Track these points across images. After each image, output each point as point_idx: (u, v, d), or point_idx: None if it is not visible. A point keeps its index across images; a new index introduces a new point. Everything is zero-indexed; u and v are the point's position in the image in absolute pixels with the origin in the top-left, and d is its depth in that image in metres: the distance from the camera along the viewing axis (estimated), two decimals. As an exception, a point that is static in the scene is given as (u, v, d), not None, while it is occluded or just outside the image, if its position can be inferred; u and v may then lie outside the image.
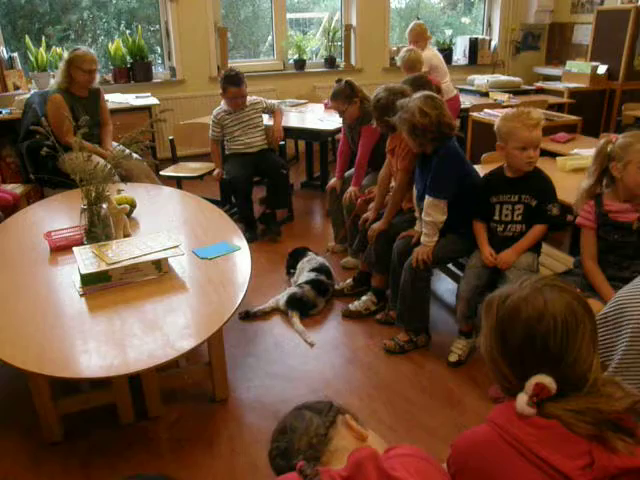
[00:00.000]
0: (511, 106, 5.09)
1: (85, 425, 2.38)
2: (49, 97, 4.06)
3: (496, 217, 2.70)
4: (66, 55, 4.10)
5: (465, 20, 7.81)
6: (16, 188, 4.28)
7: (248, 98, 4.34)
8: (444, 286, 3.48)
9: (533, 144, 2.52)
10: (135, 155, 3.80)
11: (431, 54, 5.26)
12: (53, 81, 4.41)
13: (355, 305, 3.24)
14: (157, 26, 6.20)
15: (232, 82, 4.15)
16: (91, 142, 3.88)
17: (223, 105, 4.31)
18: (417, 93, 2.76)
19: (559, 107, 5.47)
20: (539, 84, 6.51)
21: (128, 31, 6.01)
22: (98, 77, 4.25)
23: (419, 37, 5.24)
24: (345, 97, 3.69)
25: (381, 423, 2.42)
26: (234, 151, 4.35)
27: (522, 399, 1.08)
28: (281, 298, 3.28)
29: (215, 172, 4.37)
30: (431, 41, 5.45)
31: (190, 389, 2.63)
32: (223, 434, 2.37)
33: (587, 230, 2.41)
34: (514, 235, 2.67)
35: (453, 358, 2.78)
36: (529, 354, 1.10)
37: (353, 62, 6.86)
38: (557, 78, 6.70)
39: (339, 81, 3.76)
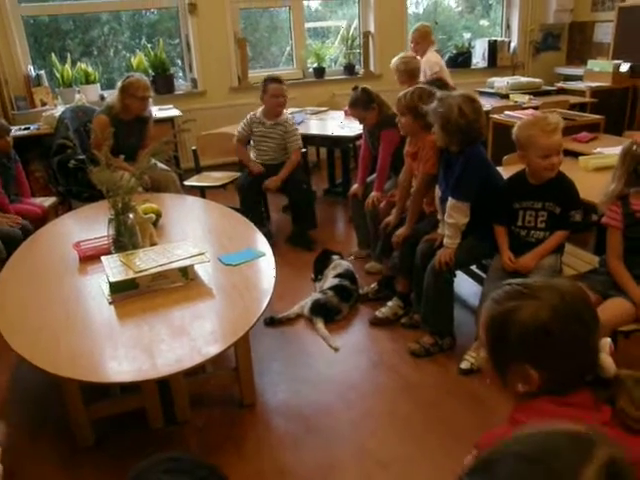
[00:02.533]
0: (532, 107, 5.08)
1: (116, 430, 2.43)
2: (95, 117, 4.17)
3: (519, 223, 2.68)
4: (119, 83, 4.18)
5: (483, 23, 7.80)
6: (45, 201, 4.38)
7: (289, 116, 4.39)
8: (468, 289, 3.47)
9: (554, 150, 2.48)
10: (161, 165, 3.88)
11: (431, 56, 5.23)
12: (107, 100, 4.49)
13: (382, 312, 3.24)
14: (177, 39, 6.30)
15: (273, 80, 4.20)
16: (127, 161, 3.94)
17: (259, 113, 4.33)
18: (459, 91, 2.77)
19: (581, 107, 5.42)
20: (560, 84, 6.46)
21: (149, 45, 6.11)
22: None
23: (422, 39, 5.21)
24: (363, 104, 3.71)
25: (408, 426, 2.43)
26: (255, 159, 4.41)
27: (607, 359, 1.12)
28: (305, 304, 3.31)
29: (251, 168, 4.30)
30: (434, 47, 5.38)
31: (218, 394, 2.66)
32: (251, 438, 2.39)
33: (613, 230, 2.37)
34: (537, 241, 2.65)
35: (465, 365, 2.75)
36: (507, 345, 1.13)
37: (372, 68, 6.89)
38: (578, 78, 6.64)
39: (355, 89, 3.78)
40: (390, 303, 3.26)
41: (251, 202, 4.25)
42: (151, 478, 0.85)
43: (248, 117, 4.37)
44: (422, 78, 4.84)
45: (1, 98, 5.17)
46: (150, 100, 4.32)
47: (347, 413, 2.52)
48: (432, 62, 5.13)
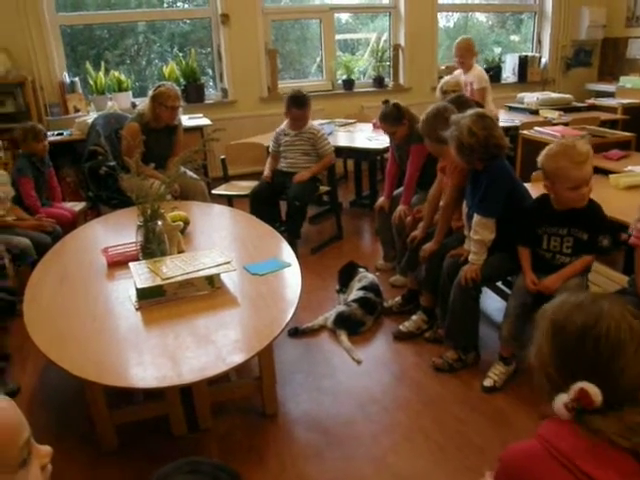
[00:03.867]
0: (562, 123, 5.04)
1: (139, 435, 2.45)
2: (127, 124, 4.25)
3: (544, 246, 2.64)
4: (150, 91, 4.26)
5: (514, 38, 7.77)
6: (75, 206, 4.46)
7: (314, 125, 4.44)
8: (493, 305, 3.44)
9: (585, 181, 2.40)
10: (190, 173, 3.92)
11: (482, 70, 5.27)
12: (138, 108, 4.58)
13: (406, 326, 3.22)
14: (209, 49, 6.39)
15: (296, 104, 4.25)
16: (157, 169, 4.00)
17: (285, 124, 4.42)
18: (470, 110, 2.76)
19: (612, 124, 5.35)
20: (591, 101, 6.39)
21: (181, 54, 6.20)
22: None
23: (467, 53, 5.25)
24: (393, 119, 3.70)
25: (429, 440, 2.41)
26: (279, 168, 4.48)
27: (561, 398, 1.08)
28: (329, 316, 3.30)
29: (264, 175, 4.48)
30: (477, 58, 5.43)
31: (240, 403, 2.67)
32: (272, 448, 2.39)
33: None
34: (562, 265, 2.60)
35: (488, 383, 2.72)
36: (579, 357, 1.10)
37: (401, 82, 6.90)
38: (610, 94, 6.57)
39: (386, 102, 3.77)
40: (414, 317, 3.25)
41: (259, 209, 4.24)
42: (177, 478, 0.89)
43: (275, 133, 4.49)
44: (464, 92, 4.90)
45: (36, 104, 5.27)
46: (180, 109, 4.38)
47: (368, 426, 2.50)
48: (481, 76, 5.19)
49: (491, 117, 2.77)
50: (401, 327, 3.23)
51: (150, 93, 4.24)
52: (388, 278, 3.84)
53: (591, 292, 1.19)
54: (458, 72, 5.43)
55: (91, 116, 5.27)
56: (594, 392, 1.05)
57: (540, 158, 2.49)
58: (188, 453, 2.35)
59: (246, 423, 2.55)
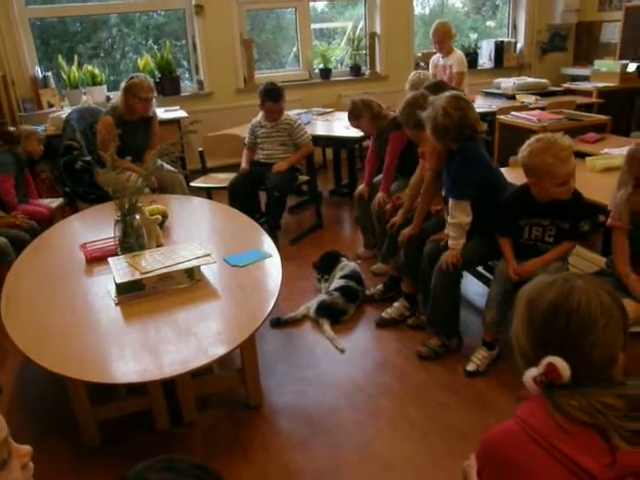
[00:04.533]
0: (539, 108, 5.07)
1: (122, 431, 2.43)
2: (101, 118, 4.19)
3: (525, 236, 2.65)
4: (123, 84, 4.19)
5: (490, 24, 7.78)
6: (52, 202, 4.40)
7: (290, 115, 4.43)
8: (473, 289, 3.46)
9: (572, 175, 2.40)
10: (167, 166, 3.89)
11: (462, 54, 5.26)
12: (111, 101, 4.52)
13: (388, 313, 3.24)
14: (184, 41, 6.32)
15: (270, 97, 4.23)
16: (134, 162, 3.96)
17: (260, 116, 4.41)
18: (446, 92, 2.77)
19: (587, 107, 5.39)
20: (567, 85, 6.43)
21: (156, 47, 6.13)
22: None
23: (445, 37, 5.23)
24: (352, 115, 3.87)
25: (413, 427, 2.43)
26: (256, 159, 4.48)
27: (531, 372, 1.10)
28: (311, 305, 3.30)
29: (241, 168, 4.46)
30: (456, 39, 5.43)
31: (224, 395, 2.66)
32: (257, 439, 2.39)
33: (619, 231, 2.36)
34: (544, 251, 2.61)
35: (471, 367, 2.74)
36: (550, 332, 1.11)
37: (378, 70, 6.88)
38: (585, 78, 6.61)
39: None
40: (396, 304, 3.26)
41: (238, 201, 4.19)
42: (150, 477, 0.85)
43: (250, 125, 4.47)
44: (442, 76, 4.89)
45: (8, 100, 5.18)
46: (154, 101, 4.33)
47: (353, 414, 2.51)
48: (460, 60, 5.19)
49: (467, 99, 2.78)
50: (383, 314, 3.24)
51: (122, 85, 4.18)
52: (369, 266, 3.85)
53: (567, 273, 1.19)
54: (436, 57, 5.43)
55: (65, 111, 5.20)
56: (562, 366, 1.06)
57: (522, 156, 2.44)
58: (172, 448, 2.34)
59: (231, 415, 2.54)
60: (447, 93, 2.73)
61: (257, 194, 4.57)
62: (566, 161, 2.35)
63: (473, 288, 3.47)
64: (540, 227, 2.60)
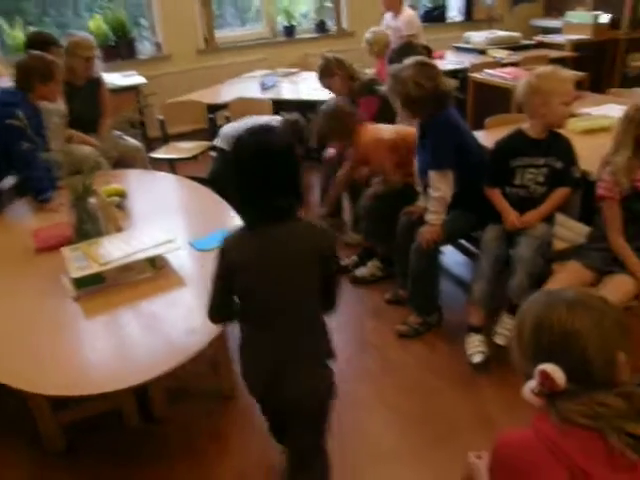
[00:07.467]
0: (512, 63, 4.92)
1: (91, 432, 2.29)
2: None
3: (517, 182, 2.55)
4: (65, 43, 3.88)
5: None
6: None
7: None
8: (452, 258, 3.36)
9: (572, 97, 2.51)
10: (127, 138, 3.67)
11: (413, 14, 4.98)
12: None
13: (361, 271, 3.27)
14: (139, -2, 5.94)
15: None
16: (88, 133, 3.72)
17: None
18: (409, 60, 2.60)
19: (561, 62, 5.25)
20: (539, 38, 6.26)
21: (110, 4, 5.74)
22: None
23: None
24: (322, 74, 3.66)
25: (393, 409, 2.37)
26: None
27: (528, 385, 1.07)
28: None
29: None
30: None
31: (196, 387, 2.54)
32: (233, 432, 2.31)
33: (610, 202, 2.23)
34: (536, 198, 2.53)
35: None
36: (537, 341, 1.07)
37: (344, 25, 6.61)
38: (557, 30, 6.45)
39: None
40: (369, 263, 3.28)
41: None
42: None
43: None
44: (394, 37, 4.60)
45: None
46: (96, 60, 4.04)
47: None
48: (411, 21, 4.89)
49: (432, 64, 2.65)
50: (357, 272, 3.28)
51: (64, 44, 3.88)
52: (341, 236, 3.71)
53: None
54: (388, 16, 5.13)
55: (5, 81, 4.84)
56: (553, 370, 1.02)
57: (531, 81, 2.45)
58: (145, 445, 2.23)
59: (205, 407, 2.44)
60: (410, 62, 2.57)
61: None
62: (570, 81, 2.48)
63: (451, 257, 3.36)
64: (534, 168, 2.51)
